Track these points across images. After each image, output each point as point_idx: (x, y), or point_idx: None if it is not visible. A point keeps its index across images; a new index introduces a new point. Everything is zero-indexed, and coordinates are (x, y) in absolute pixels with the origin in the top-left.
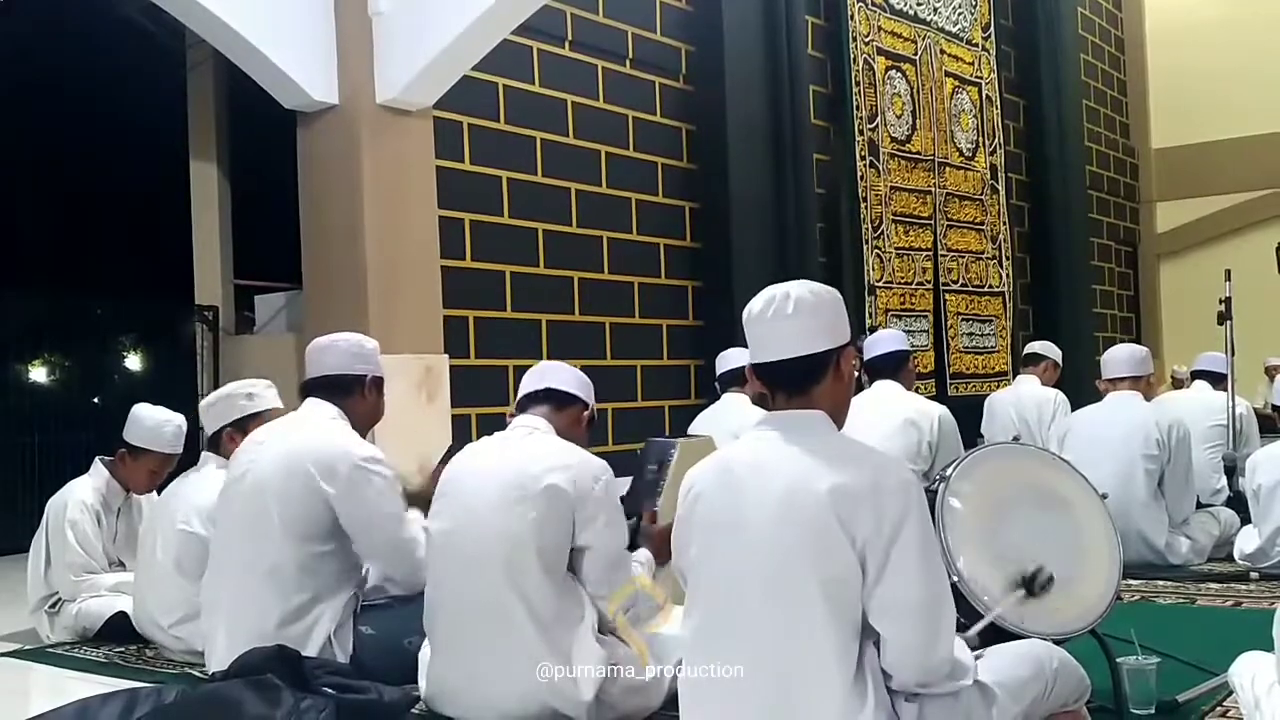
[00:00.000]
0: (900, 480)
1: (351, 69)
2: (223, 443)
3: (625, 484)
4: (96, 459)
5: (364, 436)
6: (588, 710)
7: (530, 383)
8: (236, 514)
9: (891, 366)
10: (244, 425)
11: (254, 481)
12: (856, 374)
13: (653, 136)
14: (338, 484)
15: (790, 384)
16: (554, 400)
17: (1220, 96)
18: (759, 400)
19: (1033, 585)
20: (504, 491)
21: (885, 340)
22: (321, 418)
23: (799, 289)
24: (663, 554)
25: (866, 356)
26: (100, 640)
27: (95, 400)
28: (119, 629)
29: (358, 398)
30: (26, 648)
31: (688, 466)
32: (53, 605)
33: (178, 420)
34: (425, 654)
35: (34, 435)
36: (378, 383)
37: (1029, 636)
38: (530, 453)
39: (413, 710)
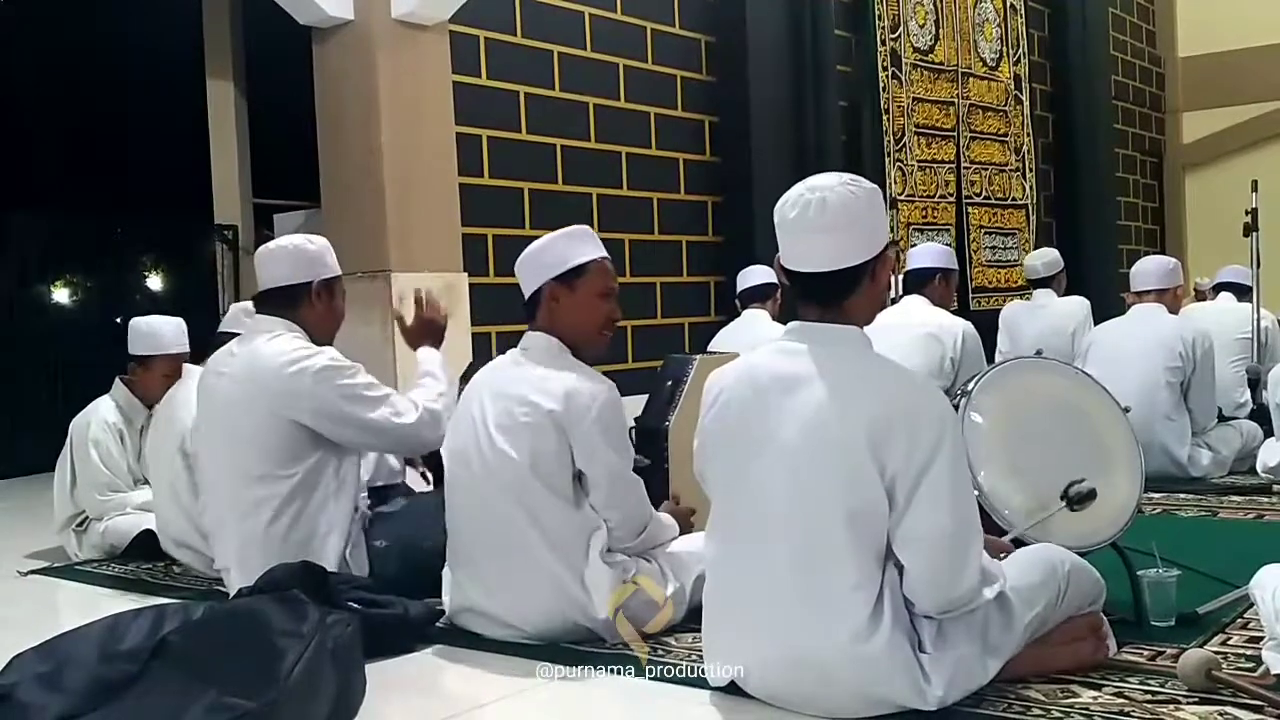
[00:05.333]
0: (937, 409)
1: None
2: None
3: (639, 402)
4: (117, 378)
5: (327, 343)
6: (606, 626)
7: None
8: (213, 451)
9: (919, 282)
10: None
11: (221, 418)
12: (890, 292)
13: (671, 48)
14: (301, 401)
15: (826, 297)
16: (529, 309)
17: (1249, 3)
18: (782, 314)
19: (1074, 499)
20: (502, 417)
21: (919, 255)
22: (269, 335)
23: (840, 193)
24: (684, 529)
25: (906, 268)
26: (128, 557)
27: (117, 320)
28: (146, 546)
29: (306, 307)
30: (55, 565)
31: None
32: (80, 524)
33: (174, 320)
34: (447, 573)
35: (56, 355)
36: (328, 285)
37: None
38: (530, 378)
39: (437, 625)
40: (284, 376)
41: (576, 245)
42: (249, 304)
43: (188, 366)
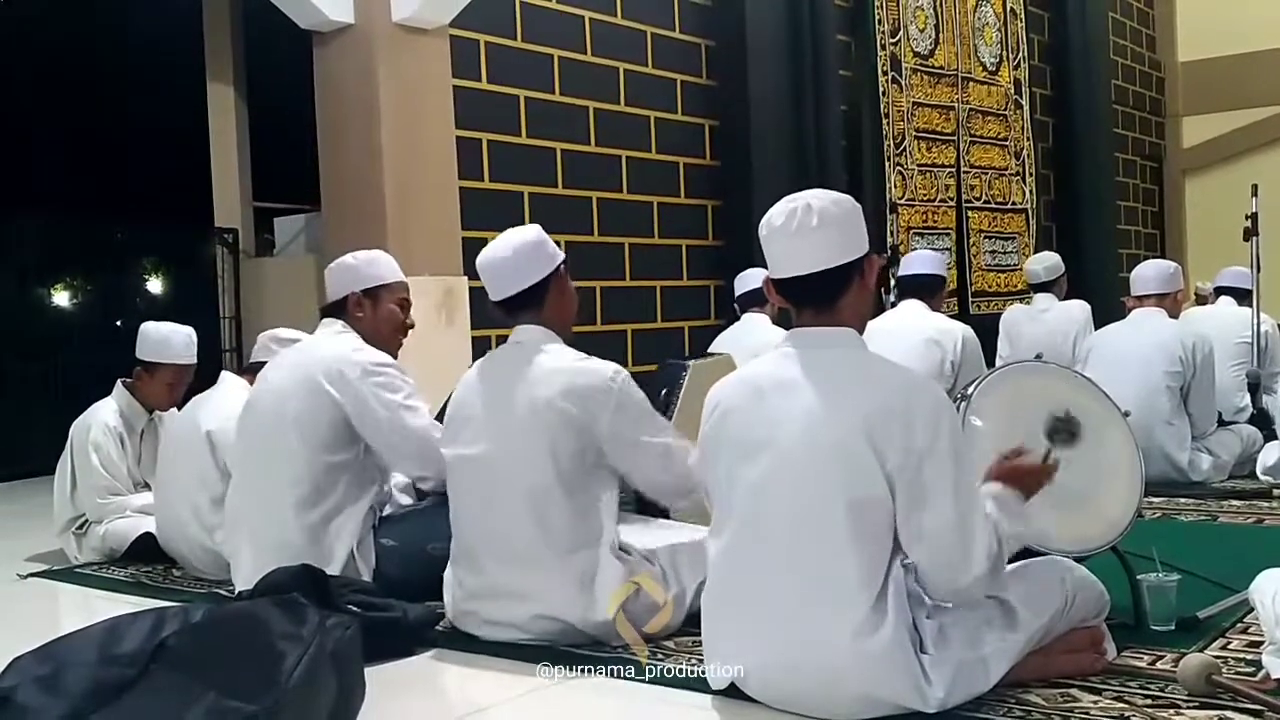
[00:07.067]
0: (933, 401)
1: None
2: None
3: None
4: (118, 381)
5: (388, 351)
6: (606, 629)
7: (491, 286)
8: (256, 431)
9: (917, 288)
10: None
11: (271, 398)
12: (889, 296)
13: (671, 52)
14: (347, 389)
15: (816, 299)
16: (529, 301)
17: (1249, 8)
18: (780, 318)
19: (1061, 431)
20: (518, 421)
21: (917, 261)
22: (330, 332)
23: (820, 200)
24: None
25: (900, 273)
26: (128, 560)
27: (118, 323)
28: (146, 549)
29: (352, 316)
30: (55, 568)
31: (702, 387)
32: (79, 527)
33: (185, 330)
34: (450, 574)
35: (57, 358)
36: (368, 294)
37: (1050, 554)
38: (535, 376)
39: (436, 628)
40: (336, 359)
41: (544, 236)
42: (277, 331)
43: (224, 373)
